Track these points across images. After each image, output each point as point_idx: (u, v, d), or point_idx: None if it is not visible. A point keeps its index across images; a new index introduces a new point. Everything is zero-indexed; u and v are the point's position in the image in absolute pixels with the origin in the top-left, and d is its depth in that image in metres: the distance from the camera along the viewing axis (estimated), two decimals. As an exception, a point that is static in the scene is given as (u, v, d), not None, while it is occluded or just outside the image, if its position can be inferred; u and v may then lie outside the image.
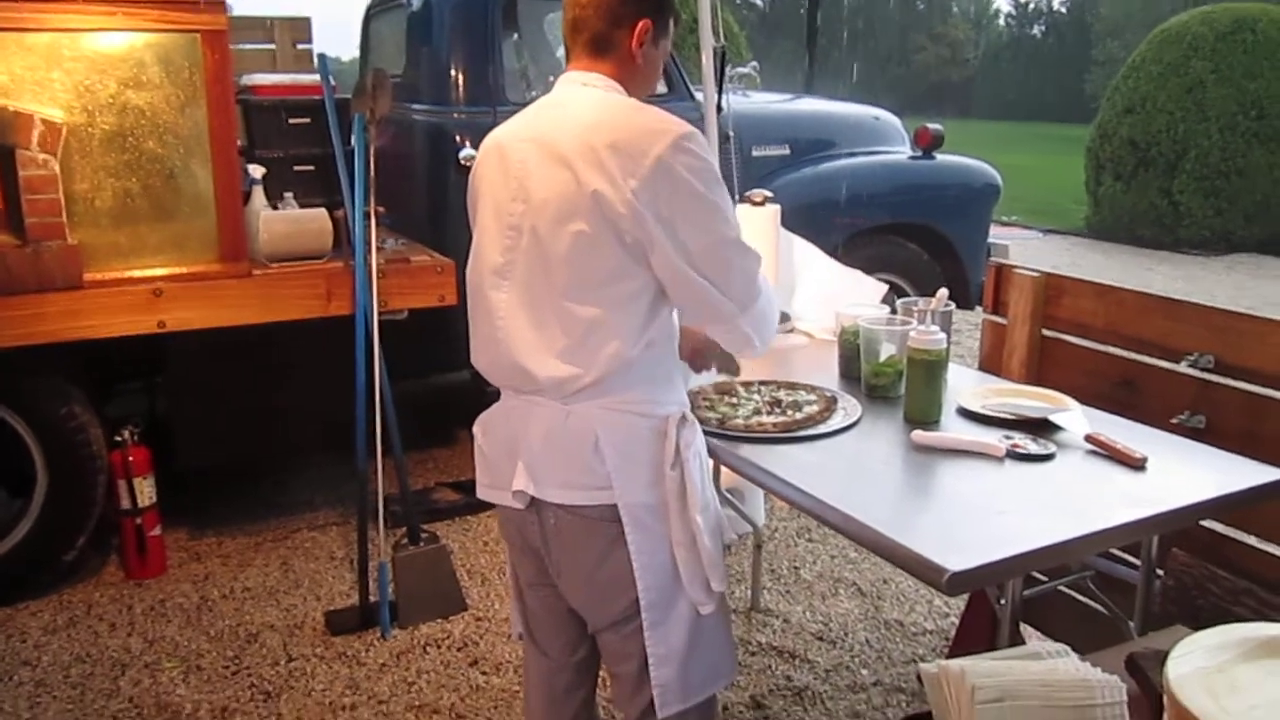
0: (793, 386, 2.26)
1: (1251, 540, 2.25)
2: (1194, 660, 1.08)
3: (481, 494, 1.88)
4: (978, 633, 2.52)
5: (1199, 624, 1.63)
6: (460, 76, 4.14)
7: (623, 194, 1.58)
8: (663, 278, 1.65)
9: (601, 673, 2.00)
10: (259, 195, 3.46)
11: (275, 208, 3.49)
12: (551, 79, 4.76)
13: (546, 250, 1.66)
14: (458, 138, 4.06)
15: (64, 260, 3.05)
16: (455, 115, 4.14)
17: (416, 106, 4.25)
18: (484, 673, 2.96)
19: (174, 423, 3.58)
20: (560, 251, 1.64)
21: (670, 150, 1.61)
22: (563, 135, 1.66)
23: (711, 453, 1.97)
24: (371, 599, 3.21)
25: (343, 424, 3.27)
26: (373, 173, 3.25)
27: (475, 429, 1.90)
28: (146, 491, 3.41)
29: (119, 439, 3.39)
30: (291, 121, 3.65)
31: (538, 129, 1.72)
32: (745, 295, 1.70)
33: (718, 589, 1.76)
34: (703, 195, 1.63)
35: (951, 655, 2.76)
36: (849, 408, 2.14)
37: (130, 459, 3.37)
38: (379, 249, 3.36)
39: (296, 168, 3.67)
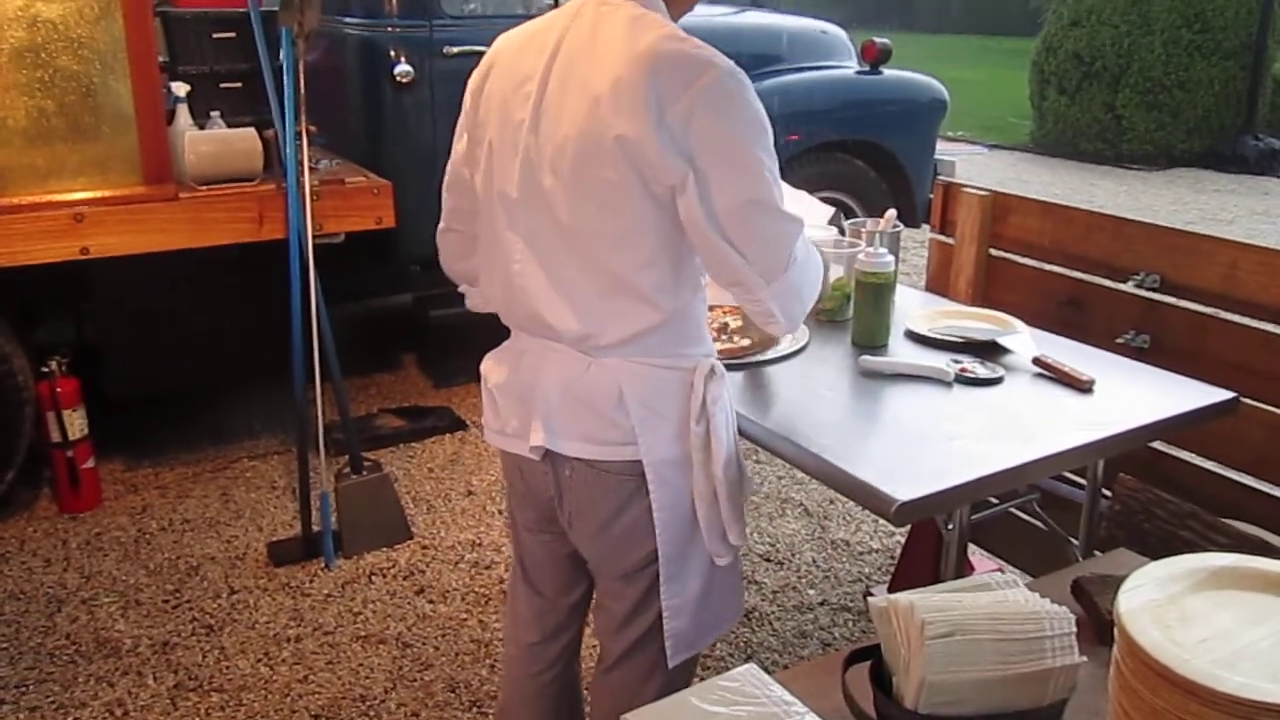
0: (738, 311, 2.22)
1: (1194, 459, 2.28)
2: (1144, 593, 1.07)
3: (490, 439, 1.75)
4: (923, 554, 2.54)
5: (1144, 548, 1.64)
6: (394, -13, 3.97)
7: (652, 136, 1.41)
8: (686, 228, 1.50)
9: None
10: (184, 114, 3.31)
11: (201, 127, 3.34)
12: (491, -10, 4.54)
13: (567, 197, 1.50)
14: (392, 53, 3.91)
15: (-24, 184, 2.90)
16: (389, 29, 3.98)
17: (349, 20, 4.08)
18: (430, 601, 2.93)
19: (104, 351, 3.46)
20: (582, 201, 1.49)
21: (712, 89, 1.43)
22: (588, 62, 1.47)
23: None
24: (314, 529, 3.16)
25: (281, 349, 3.18)
26: (303, 90, 3.12)
27: (484, 368, 1.76)
28: (77, 424, 3.31)
29: (46, 370, 3.27)
30: (216, 36, 3.49)
31: (559, 48, 1.52)
32: (772, 264, 1.51)
33: (735, 542, 1.67)
34: (741, 145, 1.46)
35: (896, 576, 2.79)
36: (795, 332, 2.10)
37: (58, 390, 3.26)
38: (312, 170, 3.24)
39: (223, 85, 3.52)
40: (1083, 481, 2.18)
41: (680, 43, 1.46)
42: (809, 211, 2.67)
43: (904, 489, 1.50)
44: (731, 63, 1.47)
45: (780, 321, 1.58)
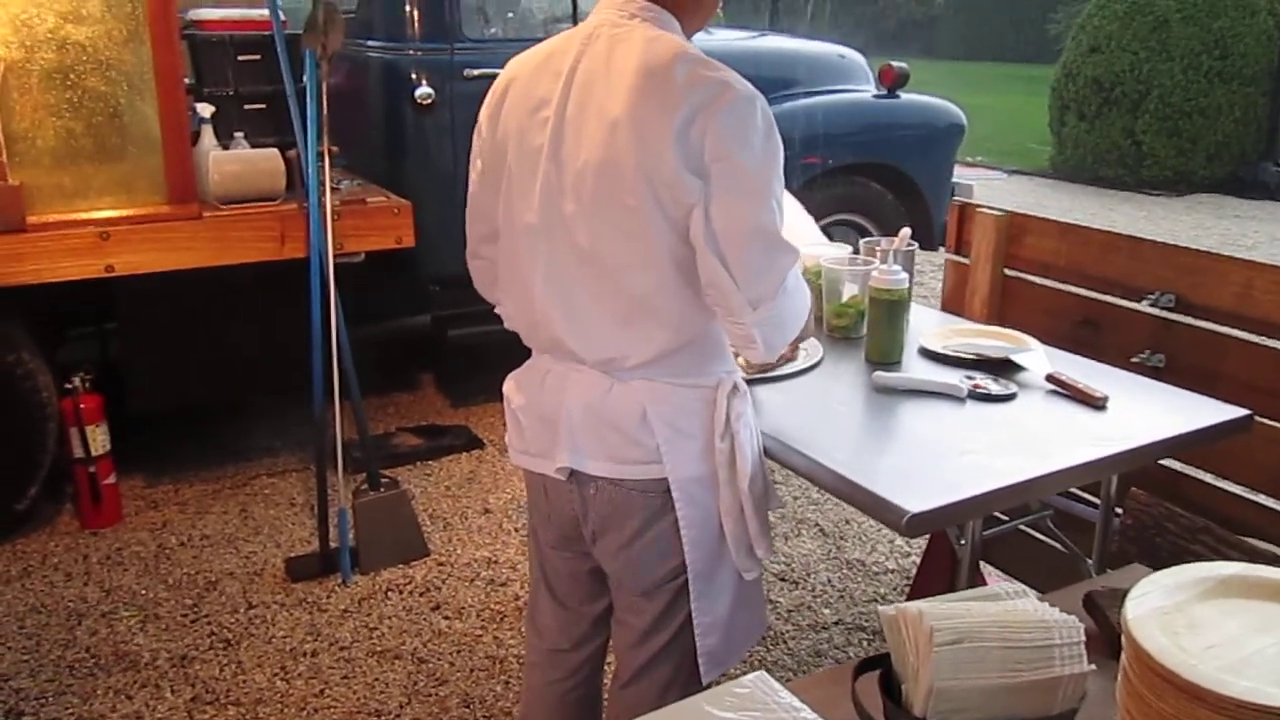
0: None
1: (1208, 478, 2.27)
2: (1152, 600, 1.07)
3: (514, 460, 1.77)
4: (938, 573, 2.53)
5: (1157, 562, 1.64)
6: (415, 12, 4.03)
7: (670, 157, 1.41)
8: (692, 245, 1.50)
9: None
10: (208, 134, 3.37)
11: (225, 147, 3.40)
12: (510, 15, 4.64)
13: (588, 223, 1.50)
14: (413, 75, 3.96)
15: (5, 202, 2.96)
16: (411, 52, 4.03)
17: (371, 43, 4.14)
18: (446, 617, 2.94)
19: (127, 369, 3.51)
20: (602, 226, 1.49)
21: (728, 112, 1.43)
22: (605, 86, 1.48)
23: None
24: (332, 545, 3.18)
25: (301, 368, 3.21)
26: (325, 111, 3.16)
27: (506, 389, 1.77)
28: (99, 439, 3.35)
29: (70, 386, 3.31)
30: (241, 58, 3.55)
31: (575, 72, 1.52)
32: (762, 292, 1.49)
33: (763, 556, 1.68)
34: (752, 170, 1.45)
35: (912, 595, 2.78)
36: (810, 348, 2.11)
37: (82, 406, 3.30)
38: (334, 190, 3.29)
39: (247, 106, 3.57)
40: (1096, 500, 2.18)
41: (697, 64, 1.46)
42: (801, 224, 2.69)
43: (916, 501, 1.51)
44: (750, 86, 1.47)
45: (759, 349, 1.55)
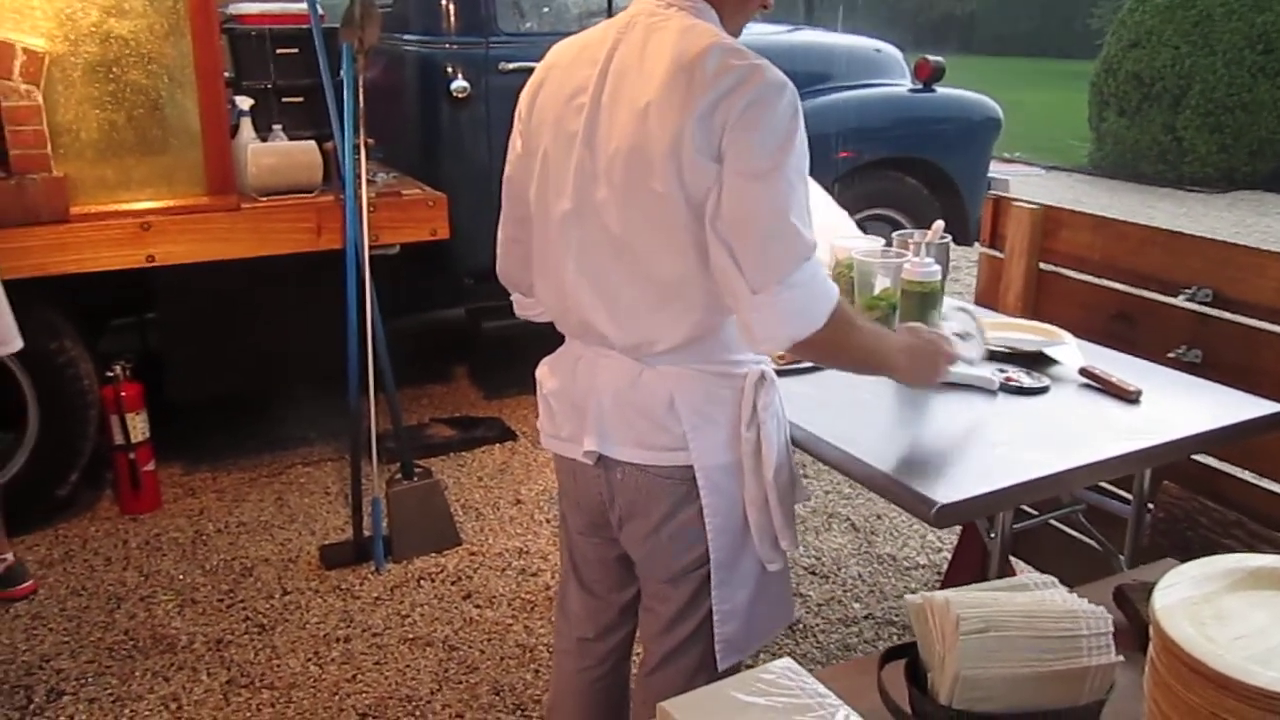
0: None
1: (1246, 475, 2.25)
2: (1180, 591, 1.07)
3: (545, 443, 1.79)
4: (969, 567, 2.53)
5: (1189, 556, 1.62)
6: (451, 6, 4.05)
7: (690, 139, 1.41)
8: None
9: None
10: (247, 127, 3.41)
11: (264, 140, 3.44)
12: (546, 9, 4.65)
13: (619, 208, 1.51)
14: (449, 69, 3.99)
15: (49, 193, 3.01)
16: (446, 46, 4.06)
17: (407, 37, 4.17)
18: (477, 606, 2.97)
19: (167, 358, 3.56)
20: (632, 211, 1.50)
21: (752, 98, 1.42)
22: (638, 74, 1.48)
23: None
24: (365, 533, 3.22)
25: (337, 359, 3.25)
26: (362, 104, 3.20)
27: (539, 374, 1.78)
28: (139, 427, 3.40)
29: (111, 374, 3.37)
30: (279, 52, 3.59)
31: (610, 61, 1.54)
32: (762, 278, 1.44)
33: (787, 548, 1.67)
34: (764, 157, 1.43)
35: (943, 589, 2.77)
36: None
37: (122, 394, 3.36)
38: (370, 182, 3.32)
39: (285, 99, 3.62)
40: (1128, 496, 2.17)
41: (730, 54, 1.46)
42: (834, 218, 2.68)
43: (945, 492, 1.51)
44: (782, 76, 1.46)
45: (757, 338, 1.49)
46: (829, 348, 1.55)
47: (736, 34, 1.57)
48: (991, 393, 1.89)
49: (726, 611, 1.68)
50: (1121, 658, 1.13)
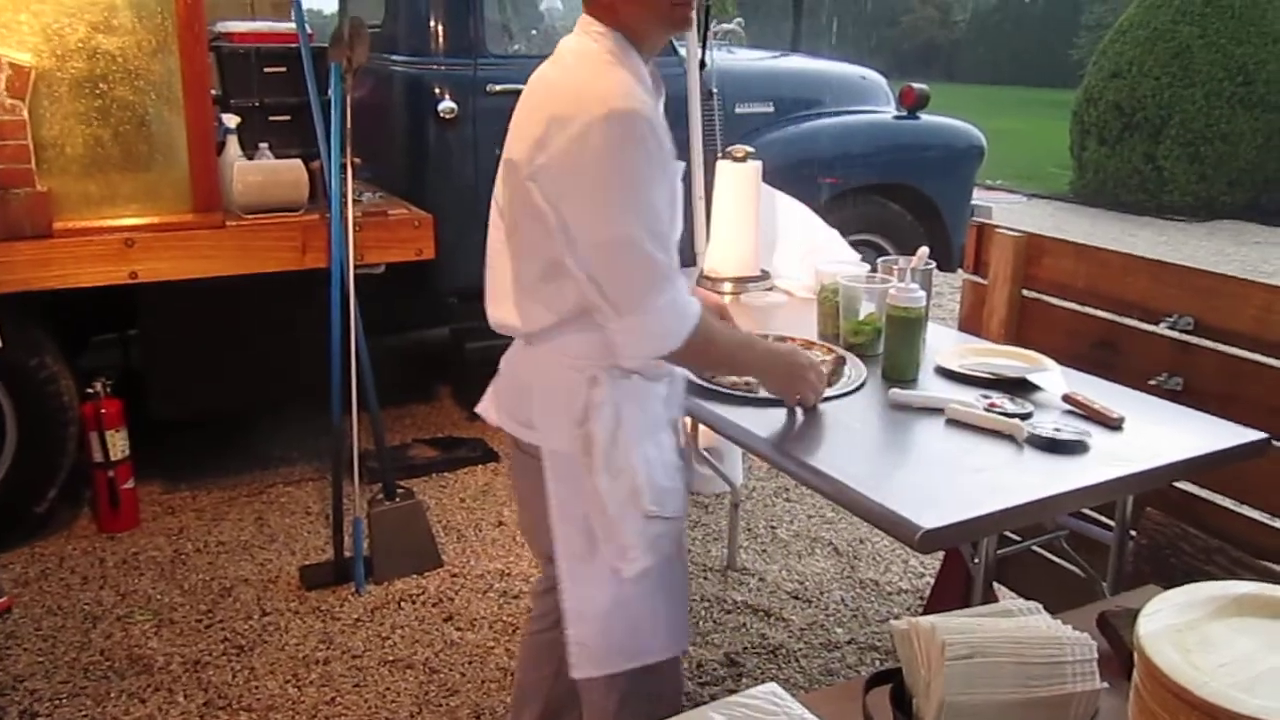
0: (825, 347, 2.20)
1: (1227, 503, 2.26)
2: (1164, 618, 1.07)
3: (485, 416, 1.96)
4: (952, 592, 2.53)
5: (1171, 583, 1.63)
6: (440, 27, 4.07)
7: (532, 164, 1.57)
8: None
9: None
10: (233, 145, 3.40)
11: (250, 158, 3.43)
12: (534, 32, 4.67)
13: (508, 214, 1.69)
14: (436, 90, 3.99)
15: (33, 208, 2.99)
16: (434, 67, 4.07)
17: (395, 58, 4.17)
18: (458, 628, 2.95)
19: (148, 375, 3.54)
20: (510, 217, 1.68)
21: (592, 126, 1.50)
22: (529, 94, 1.67)
23: (692, 411, 1.95)
24: (346, 554, 3.19)
25: (319, 378, 3.23)
26: (349, 124, 3.20)
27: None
28: (119, 444, 3.38)
29: (91, 391, 3.34)
30: (267, 70, 3.59)
31: (531, 82, 1.70)
32: (624, 302, 1.55)
33: (633, 560, 1.65)
34: (608, 182, 1.52)
35: (926, 614, 2.77)
36: (853, 372, 2.08)
37: (102, 411, 3.33)
38: (356, 201, 3.31)
39: (272, 117, 3.62)
40: (1111, 522, 2.17)
41: (595, 79, 1.56)
42: (825, 239, 2.70)
43: (929, 517, 1.51)
44: (627, 102, 1.51)
45: (621, 353, 1.62)
46: (689, 359, 1.72)
47: (655, 50, 1.68)
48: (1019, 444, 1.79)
49: (577, 612, 1.72)
50: (1106, 684, 1.13)
